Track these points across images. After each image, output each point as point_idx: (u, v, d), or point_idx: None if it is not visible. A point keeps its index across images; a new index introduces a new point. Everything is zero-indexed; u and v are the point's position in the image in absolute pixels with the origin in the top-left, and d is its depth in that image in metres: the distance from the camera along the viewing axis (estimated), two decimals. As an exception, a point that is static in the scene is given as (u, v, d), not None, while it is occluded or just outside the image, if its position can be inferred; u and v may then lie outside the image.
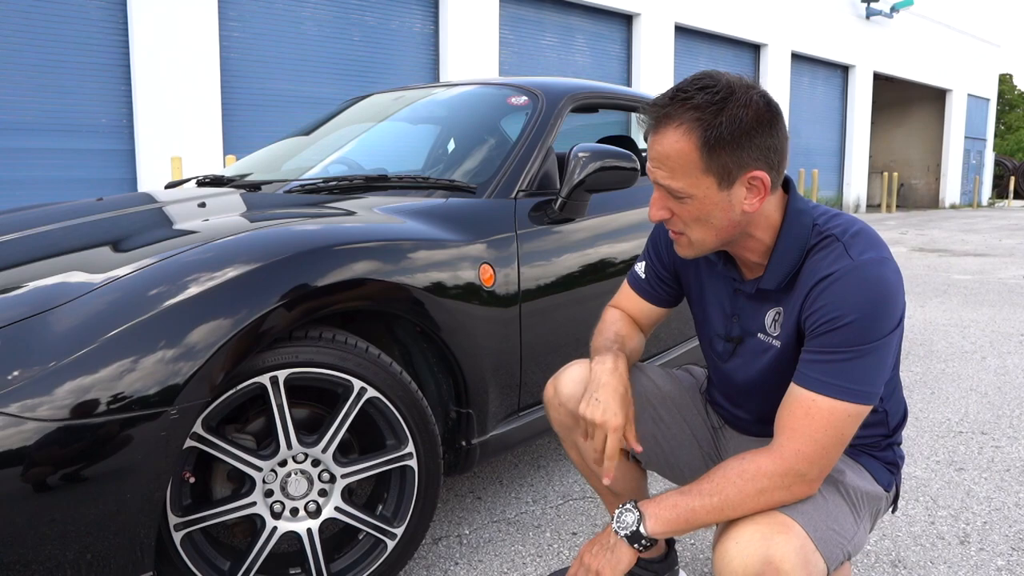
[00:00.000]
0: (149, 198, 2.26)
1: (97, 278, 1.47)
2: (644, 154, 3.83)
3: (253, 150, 8.53)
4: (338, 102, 9.34)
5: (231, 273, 1.47)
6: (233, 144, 8.55)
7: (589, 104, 2.76)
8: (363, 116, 2.89)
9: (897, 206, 21.95)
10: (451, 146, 2.62)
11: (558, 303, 2.19)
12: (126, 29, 7.85)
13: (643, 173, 3.26)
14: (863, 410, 1.24)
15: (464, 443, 1.97)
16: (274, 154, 2.89)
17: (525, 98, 2.57)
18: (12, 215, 2.32)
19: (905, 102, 23.31)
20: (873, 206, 21.99)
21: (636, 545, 1.30)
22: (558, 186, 2.32)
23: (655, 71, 12.94)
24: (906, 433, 2.84)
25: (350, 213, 1.89)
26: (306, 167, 2.67)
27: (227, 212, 1.94)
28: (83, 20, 7.61)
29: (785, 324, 1.33)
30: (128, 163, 7.96)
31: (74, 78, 7.59)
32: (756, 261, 1.36)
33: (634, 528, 1.29)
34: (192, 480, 1.55)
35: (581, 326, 2.28)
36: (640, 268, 1.61)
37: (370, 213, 1.89)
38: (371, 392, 1.65)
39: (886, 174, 19.97)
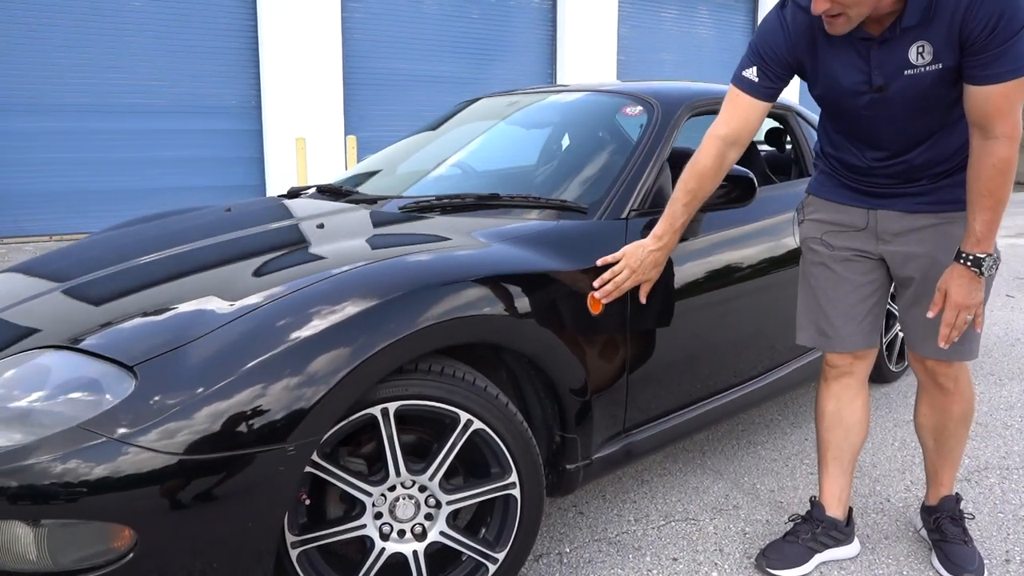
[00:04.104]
0: (272, 214, 2.36)
1: (225, 311, 1.57)
2: (763, 153, 3.68)
3: (372, 130, 8.79)
4: (456, 80, 9.45)
5: (350, 310, 1.54)
6: (354, 124, 8.81)
7: (707, 111, 2.67)
8: (476, 121, 2.92)
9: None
10: (562, 153, 2.60)
11: (667, 328, 2.16)
12: (255, 12, 8.17)
13: (760, 183, 3.14)
14: None
15: (567, 466, 1.98)
16: (389, 159, 2.96)
17: (640, 108, 2.52)
18: (143, 227, 2.49)
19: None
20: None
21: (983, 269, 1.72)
22: (671, 202, 2.27)
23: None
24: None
25: (462, 239, 1.92)
26: (422, 171, 2.72)
27: (344, 235, 2.01)
28: (215, 6, 7.98)
29: (939, 49, 1.64)
30: (256, 143, 8.35)
31: (207, 62, 8.00)
32: (888, 12, 1.64)
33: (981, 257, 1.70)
34: (308, 502, 1.64)
35: (692, 342, 2.25)
36: (750, 73, 1.86)
37: (480, 240, 1.91)
38: (477, 424, 1.69)
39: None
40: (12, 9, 7.10)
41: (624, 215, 2.16)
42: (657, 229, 1.98)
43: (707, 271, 2.29)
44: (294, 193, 2.81)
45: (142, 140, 7.80)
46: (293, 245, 1.98)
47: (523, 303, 1.77)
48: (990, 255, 1.70)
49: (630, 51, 10.93)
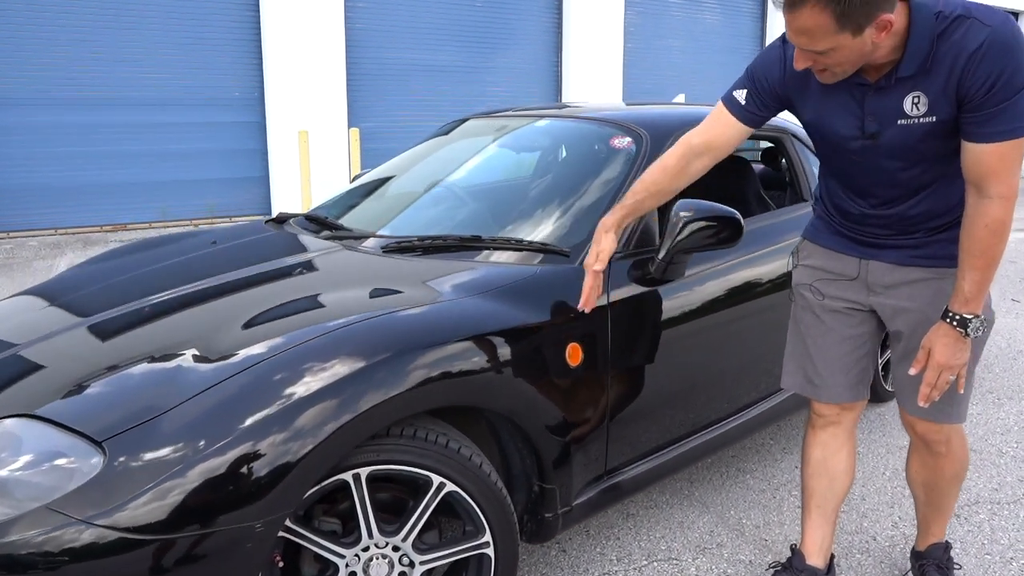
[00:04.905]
0: (255, 253, 2.35)
1: (198, 376, 1.56)
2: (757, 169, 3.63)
3: (376, 120, 8.73)
4: (460, 70, 9.37)
5: (324, 379, 1.53)
6: (357, 114, 8.76)
7: (699, 139, 2.63)
8: (462, 145, 2.89)
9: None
10: (546, 189, 2.57)
11: (650, 368, 2.14)
12: (257, 3, 8.11)
13: (755, 206, 3.10)
14: None
15: (546, 515, 1.98)
16: (377, 183, 2.93)
17: (629, 139, 2.49)
18: (135, 259, 2.49)
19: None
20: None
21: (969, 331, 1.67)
22: (658, 241, 2.25)
23: (792, 25, 12.17)
24: (1033, 498, 2.63)
25: (439, 291, 1.90)
26: (406, 200, 2.70)
27: (325, 284, 2.00)
28: (220, -4, 7.93)
29: (935, 101, 1.60)
30: (259, 135, 8.32)
31: (209, 54, 7.96)
32: (885, 61, 1.60)
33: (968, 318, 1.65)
34: (281, 564, 1.64)
35: (676, 380, 2.23)
36: (740, 95, 1.84)
37: (457, 294, 1.89)
38: (450, 487, 1.69)
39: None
40: (17, 2, 7.06)
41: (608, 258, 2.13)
42: (605, 219, 1.98)
43: (693, 306, 2.27)
44: (282, 219, 2.79)
45: (146, 133, 7.79)
46: (271, 288, 1.96)
47: (501, 362, 1.76)
48: (978, 316, 1.66)
49: (637, 38, 10.79)
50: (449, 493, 1.69)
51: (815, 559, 2.06)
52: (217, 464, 1.42)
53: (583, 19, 10.02)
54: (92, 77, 7.48)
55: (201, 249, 2.51)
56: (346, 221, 2.61)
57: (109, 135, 7.65)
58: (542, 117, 2.85)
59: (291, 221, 2.76)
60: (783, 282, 2.59)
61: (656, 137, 2.46)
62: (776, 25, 11.98)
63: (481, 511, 1.73)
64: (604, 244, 1.94)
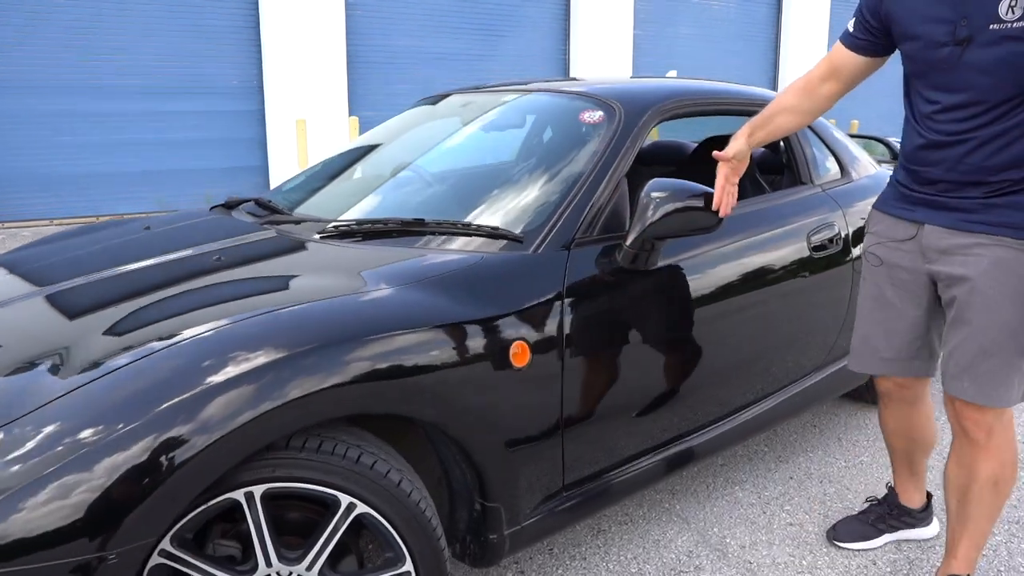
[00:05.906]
0: (180, 239, 2.13)
1: (55, 384, 1.35)
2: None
3: (377, 109, 8.51)
4: (464, 57, 9.12)
5: (229, 370, 1.31)
6: (358, 103, 8.54)
7: (681, 114, 2.38)
8: (427, 123, 2.66)
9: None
10: (505, 166, 2.33)
11: (613, 367, 1.90)
12: (257, -11, 7.93)
13: (750, 189, 2.83)
14: None
15: (491, 536, 1.75)
16: (339, 164, 2.71)
17: (600, 114, 2.23)
18: (50, 248, 2.28)
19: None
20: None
21: None
22: (627, 225, 2.00)
23: (808, 6, 11.79)
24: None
25: (362, 281, 1.67)
26: (365, 183, 2.48)
27: (239, 276, 1.78)
28: (217, -19, 7.75)
29: None
30: (258, 123, 8.14)
31: (209, 41, 7.78)
32: None
33: None
34: (165, 596, 1.42)
35: (645, 385, 1.99)
36: (850, 25, 1.86)
37: (389, 284, 1.65)
38: (361, 507, 1.45)
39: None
40: (8, -12, 6.93)
41: (568, 244, 1.89)
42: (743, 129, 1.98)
43: (667, 300, 2.02)
44: (232, 204, 2.57)
45: (143, 121, 7.63)
46: (176, 285, 1.74)
47: (428, 362, 1.52)
48: None
49: (646, 24, 10.46)
50: (361, 515, 1.46)
51: (908, 502, 2.19)
52: (58, 484, 1.19)
53: (591, 4, 9.72)
54: (88, 64, 7.33)
55: (132, 235, 2.29)
56: (298, 206, 2.38)
57: (105, 123, 7.49)
58: (513, 92, 2.60)
59: (240, 207, 2.54)
60: (777, 273, 2.33)
61: (630, 111, 2.21)
62: (792, 14, 11.59)
63: (400, 536, 1.50)
64: (732, 145, 1.94)
